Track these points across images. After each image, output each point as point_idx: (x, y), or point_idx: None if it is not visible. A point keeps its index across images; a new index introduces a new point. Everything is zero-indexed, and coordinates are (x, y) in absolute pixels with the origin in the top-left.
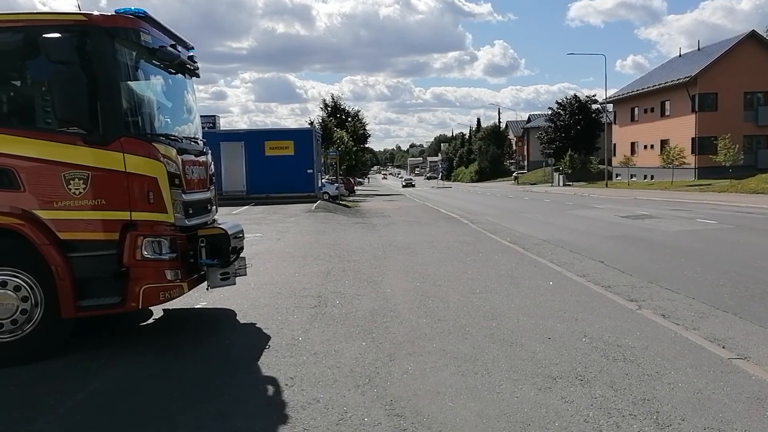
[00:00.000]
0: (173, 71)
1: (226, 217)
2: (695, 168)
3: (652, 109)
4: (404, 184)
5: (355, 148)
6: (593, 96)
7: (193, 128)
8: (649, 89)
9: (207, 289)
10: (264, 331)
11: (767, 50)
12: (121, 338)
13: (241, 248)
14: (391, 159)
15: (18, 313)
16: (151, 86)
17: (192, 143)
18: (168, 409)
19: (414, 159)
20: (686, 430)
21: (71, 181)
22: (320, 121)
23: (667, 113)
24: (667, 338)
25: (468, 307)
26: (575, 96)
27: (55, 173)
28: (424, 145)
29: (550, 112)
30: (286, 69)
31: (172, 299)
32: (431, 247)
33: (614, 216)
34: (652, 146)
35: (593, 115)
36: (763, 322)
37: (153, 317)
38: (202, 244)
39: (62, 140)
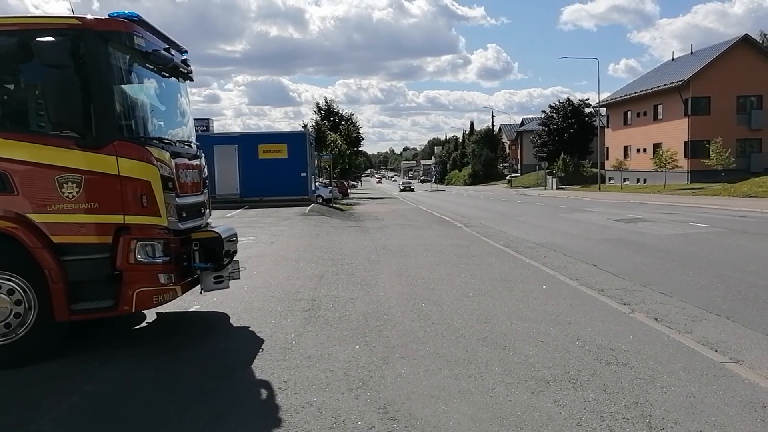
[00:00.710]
0: (167, 75)
1: (219, 221)
2: (688, 171)
3: (645, 113)
4: (402, 188)
5: (348, 152)
6: (586, 100)
7: (187, 131)
8: (642, 93)
9: (200, 292)
10: (257, 334)
11: (760, 54)
12: (114, 341)
13: (235, 251)
14: (385, 162)
15: (11, 316)
16: (145, 90)
17: (185, 146)
18: (163, 412)
19: (407, 162)
20: None
21: (65, 185)
22: (314, 124)
23: (660, 117)
24: (659, 342)
25: (461, 311)
26: (568, 100)
27: (49, 177)
28: (418, 149)
29: (543, 116)
30: (280, 72)
31: (165, 302)
32: (425, 250)
33: (607, 219)
34: (644, 150)
35: (586, 118)
36: (756, 326)
37: (147, 320)
38: (195, 248)
39: (55, 144)
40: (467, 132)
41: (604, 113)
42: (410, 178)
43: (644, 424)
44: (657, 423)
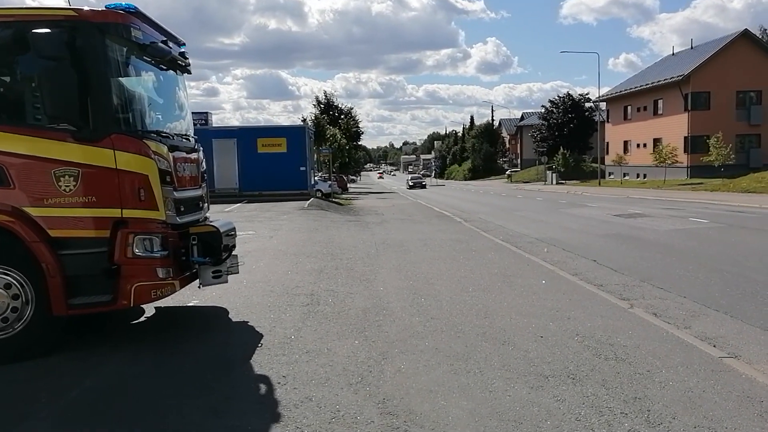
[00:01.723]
0: (164, 67)
1: (218, 215)
2: (688, 167)
3: (645, 108)
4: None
5: (348, 146)
6: (586, 94)
7: (185, 125)
8: (642, 88)
9: (199, 287)
10: (256, 329)
11: (760, 49)
12: (113, 336)
13: (234, 246)
14: (385, 156)
15: (8, 310)
16: (142, 82)
17: (183, 140)
18: (160, 407)
19: (407, 157)
20: (677, 428)
21: (62, 178)
22: (313, 118)
23: (660, 112)
24: (658, 337)
25: (461, 306)
26: (568, 94)
27: (46, 170)
28: (417, 143)
29: (543, 111)
30: (278, 66)
31: (163, 297)
32: (424, 245)
33: (607, 214)
34: (644, 145)
35: (586, 113)
36: (754, 321)
37: (145, 315)
38: (193, 242)
39: (52, 137)
40: (467, 126)
41: (604, 108)
42: (411, 171)
43: (643, 419)
44: (655, 418)
